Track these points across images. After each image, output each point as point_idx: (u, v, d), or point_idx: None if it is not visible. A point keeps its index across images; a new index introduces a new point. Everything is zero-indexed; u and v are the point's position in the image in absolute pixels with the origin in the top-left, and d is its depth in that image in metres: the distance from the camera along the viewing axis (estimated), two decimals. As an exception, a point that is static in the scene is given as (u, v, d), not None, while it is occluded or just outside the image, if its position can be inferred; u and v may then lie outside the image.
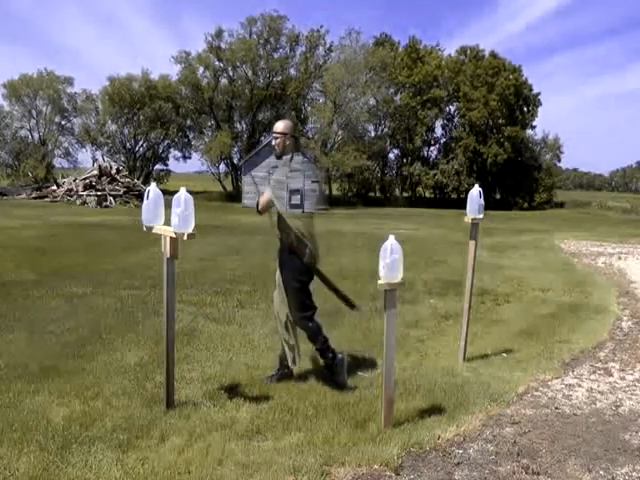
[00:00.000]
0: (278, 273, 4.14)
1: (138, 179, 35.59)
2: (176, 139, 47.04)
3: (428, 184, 45.57)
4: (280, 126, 4.10)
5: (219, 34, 42.35)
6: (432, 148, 48.18)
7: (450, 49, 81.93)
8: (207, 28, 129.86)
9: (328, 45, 44.53)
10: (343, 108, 40.16)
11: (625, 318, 6.50)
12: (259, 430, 3.26)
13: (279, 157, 4.16)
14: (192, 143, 47.26)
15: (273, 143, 4.15)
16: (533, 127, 48.24)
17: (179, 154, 48.15)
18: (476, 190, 4.44)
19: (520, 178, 44.62)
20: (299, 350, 4.15)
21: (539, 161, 48.02)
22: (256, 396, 3.75)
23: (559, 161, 51.02)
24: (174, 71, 73.56)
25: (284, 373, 4.16)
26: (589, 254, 12.75)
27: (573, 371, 4.59)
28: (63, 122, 47.21)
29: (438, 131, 47.80)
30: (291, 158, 4.10)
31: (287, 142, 4.08)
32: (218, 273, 8.62)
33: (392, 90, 44.55)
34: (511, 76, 44.68)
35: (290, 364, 4.12)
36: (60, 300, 6.39)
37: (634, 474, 2.92)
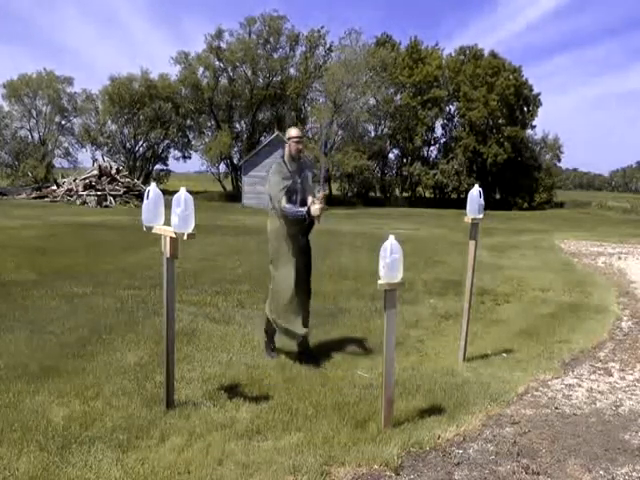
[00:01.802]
0: (294, 266, 4.43)
1: (138, 179, 35.60)
2: (176, 139, 47.06)
3: (428, 184, 45.55)
4: (299, 131, 4.56)
5: (219, 34, 42.39)
6: (432, 148, 48.24)
7: (450, 49, 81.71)
8: (207, 28, 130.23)
9: (328, 45, 44.62)
10: (343, 108, 40.15)
11: (625, 318, 6.50)
12: (259, 430, 3.27)
13: (298, 160, 4.55)
14: (192, 143, 47.34)
15: (299, 147, 4.51)
16: (533, 127, 48.33)
17: (179, 154, 48.27)
18: (476, 190, 4.44)
19: (520, 178, 44.61)
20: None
21: (539, 161, 48.01)
22: (256, 396, 3.75)
23: (559, 161, 51.07)
24: (174, 71, 73.55)
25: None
26: (589, 254, 12.75)
27: (573, 371, 4.59)
28: (63, 122, 47.27)
29: (438, 131, 47.87)
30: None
31: None
32: (218, 273, 8.62)
33: (392, 90, 44.54)
34: (511, 76, 44.71)
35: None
36: (60, 300, 6.39)
37: (634, 474, 2.92)
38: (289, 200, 4.38)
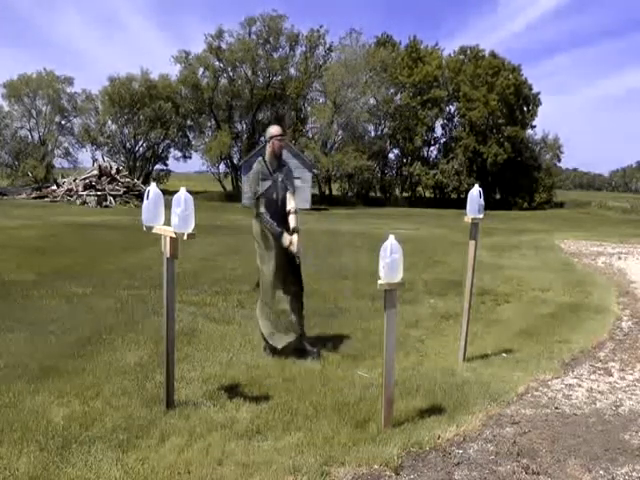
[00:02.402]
0: (276, 264, 4.50)
1: (138, 179, 35.60)
2: (176, 139, 47.08)
3: (428, 184, 45.59)
4: (280, 129, 4.53)
5: (219, 34, 42.44)
6: (432, 148, 48.30)
7: (450, 49, 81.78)
8: (207, 28, 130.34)
9: (328, 45, 44.66)
10: (343, 108, 40.17)
11: (625, 318, 6.49)
12: (259, 430, 3.26)
13: (280, 157, 4.55)
14: (192, 143, 47.36)
15: (281, 145, 4.53)
16: (533, 127, 48.41)
17: (179, 154, 48.29)
18: (476, 190, 4.44)
19: (520, 178, 44.66)
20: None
21: (539, 161, 48.06)
22: (256, 396, 3.75)
23: (559, 161, 51.14)
24: (174, 71, 73.58)
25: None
26: (589, 254, 12.75)
27: (573, 371, 4.59)
28: (63, 122, 47.28)
29: (438, 131, 47.94)
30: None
31: None
32: (218, 273, 8.62)
33: (392, 90, 44.58)
34: (510, 75, 44.77)
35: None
36: (60, 300, 6.39)
37: (634, 474, 2.92)
38: (269, 199, 4.46)
